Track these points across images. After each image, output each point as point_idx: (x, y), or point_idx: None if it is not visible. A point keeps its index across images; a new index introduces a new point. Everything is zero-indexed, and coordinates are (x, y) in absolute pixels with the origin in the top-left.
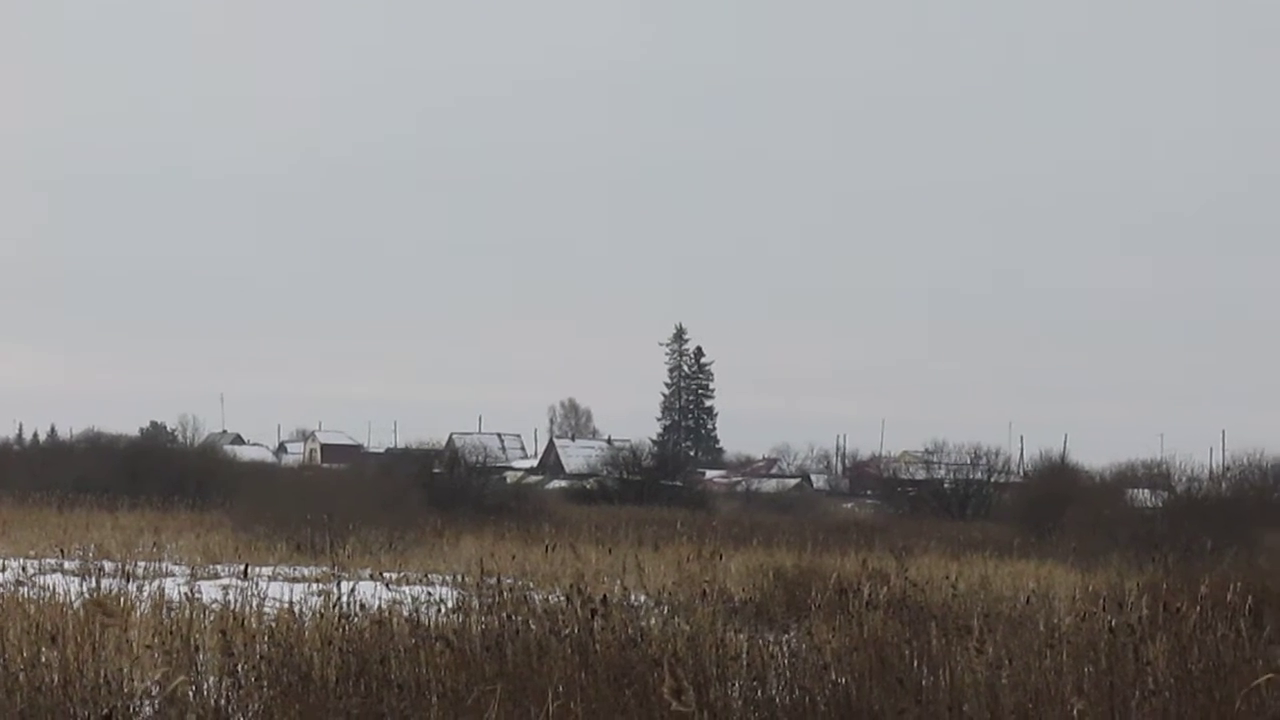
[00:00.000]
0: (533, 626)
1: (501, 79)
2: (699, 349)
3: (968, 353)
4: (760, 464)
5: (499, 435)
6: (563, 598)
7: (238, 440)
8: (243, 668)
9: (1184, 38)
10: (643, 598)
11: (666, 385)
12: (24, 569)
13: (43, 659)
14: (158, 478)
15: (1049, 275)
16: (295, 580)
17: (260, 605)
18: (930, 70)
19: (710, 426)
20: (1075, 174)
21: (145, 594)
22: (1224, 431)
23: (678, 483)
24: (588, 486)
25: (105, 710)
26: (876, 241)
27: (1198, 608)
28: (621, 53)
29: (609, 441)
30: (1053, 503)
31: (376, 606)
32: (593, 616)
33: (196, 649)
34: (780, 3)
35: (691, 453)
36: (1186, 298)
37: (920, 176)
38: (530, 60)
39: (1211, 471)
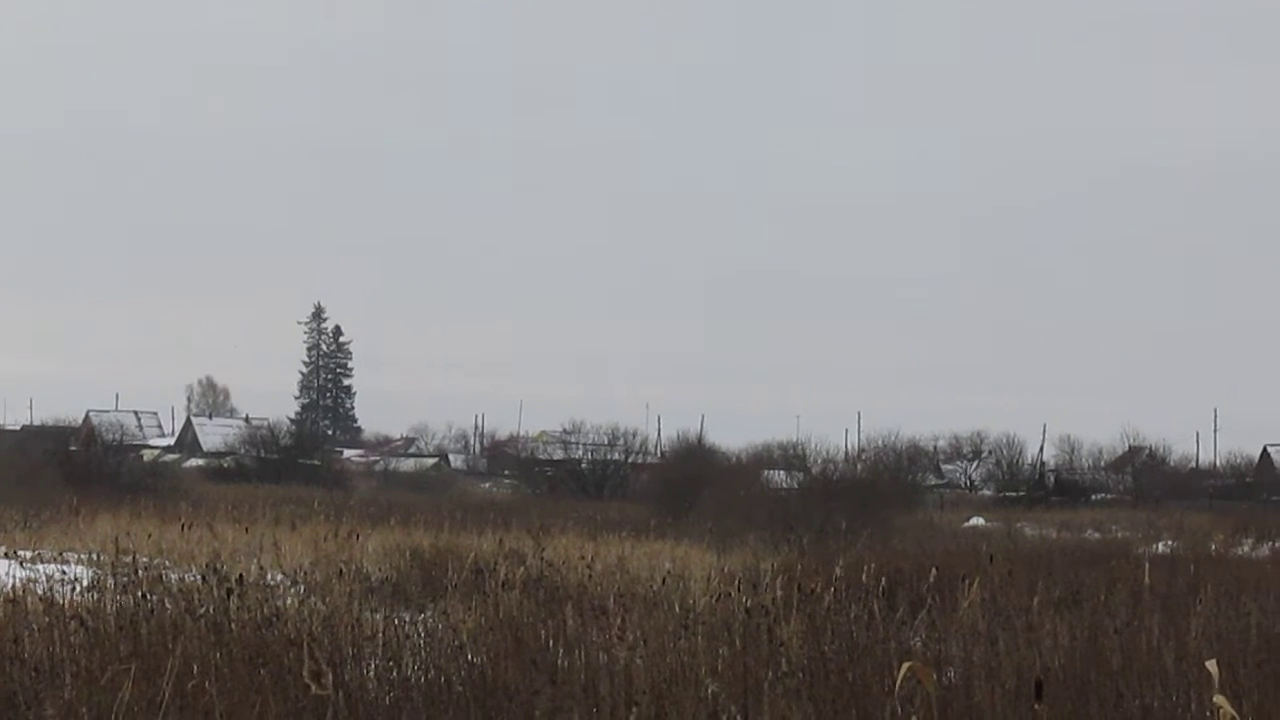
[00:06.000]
0: (168, 605)
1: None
2: (338, 328)
3: (607, 333)
4: (398, 443)
5: (136, 413)
6: (199, 576)
7: None
8: None
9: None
10: (279, 577)
11: (305, 364)
12: None
13: None
14: None
15: (693, 260)
16: None
17: None
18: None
19: (349, 405)
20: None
21: None
22: (859, 413)
23: (316, 461)
24: (225, 465)
25: None
26: (523, 223)
27: (832, 589)
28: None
29: (247, 420)
30: (689, 483)
31: (10, 585)
32: (228, 596)
33: None
34: None
35: (330, 432)
36: (827, 282)
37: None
38: (210, 42)
39: (847, 453)
